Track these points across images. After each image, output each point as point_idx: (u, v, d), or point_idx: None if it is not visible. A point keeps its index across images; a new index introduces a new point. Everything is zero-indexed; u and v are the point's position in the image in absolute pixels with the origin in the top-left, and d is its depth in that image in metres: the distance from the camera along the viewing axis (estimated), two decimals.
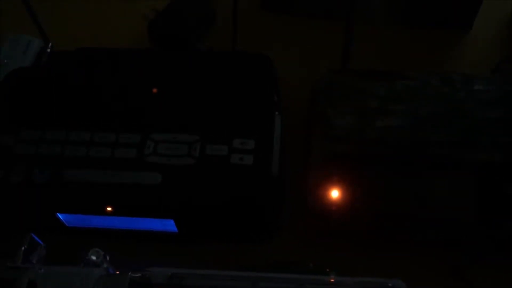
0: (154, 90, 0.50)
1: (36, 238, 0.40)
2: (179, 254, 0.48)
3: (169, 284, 0.37)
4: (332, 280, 0.40)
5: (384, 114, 0.50)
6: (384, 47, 0.64)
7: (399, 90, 0.52)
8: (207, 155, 0.46)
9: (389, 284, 0.38)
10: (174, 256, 0.47)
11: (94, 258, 0.37)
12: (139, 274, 0.37)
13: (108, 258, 0.38)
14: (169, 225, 0.47)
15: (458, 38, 0.66)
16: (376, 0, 0.64)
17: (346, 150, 0.49)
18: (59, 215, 0.47)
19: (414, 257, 0.49)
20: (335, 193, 0.48)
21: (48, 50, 0.58)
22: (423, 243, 0.51)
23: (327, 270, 0.44)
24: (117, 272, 0.38)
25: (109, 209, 0.46)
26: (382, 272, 0.39)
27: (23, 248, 0.38)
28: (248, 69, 0.52)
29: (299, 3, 0.68)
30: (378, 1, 0.64)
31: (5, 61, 0.56)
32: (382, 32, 0.64)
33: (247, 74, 0.52)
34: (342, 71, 0.55)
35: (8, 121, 0.49)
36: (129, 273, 0.36)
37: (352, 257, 0.48)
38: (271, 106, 0.50)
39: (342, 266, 0.43)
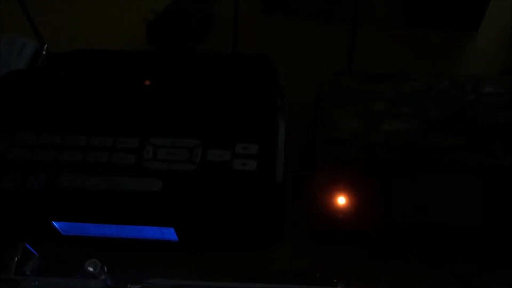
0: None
1: (30, 248, 0.38)
2: (180, 264, 0.46)
3: None
4: None
5: (390, 117, 0.49)
6: (389, 49, 0.63)
7: (406, 92, 0.51)
8: (208, 160, 0.45)
9: None
10: (175, 266, 0.46)
11: (91, 269, 0.36)
12: (138, 286, 0.35)
13: (105, 269, 0.37)
14: (169, 234, 0.46)
15: (465, 40, 0.65)
16: (381, 1, 0.63)
17: (352, 154, 0.48)
18: (54, 223, 0.46)
19: (423, 265, 0.48)
20: (340, 198, 0.47)
21: (44, 52, 0.56)
22: (432, 250, 0.49)
23: (334, 280, 0.43)
24: (115, 284, 0.36)
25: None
26: (390, 282, 0.37)
27: (16, 259, 0.37)
28: (251, 72, 0.51)
29: (301, 5, 0.67)
30: (384, 2, 0.63)
31: None
32: (387, 34, 0.63)
33: (250, 76, 0.51)
34: (347, 74, 0.54)
35: (1, 125, 0.48)
36: (128, 285, 0.35)
37: (360, 266, 0.47)
38: (275, 109, 0.48)
39: (349, 275, 0.42)
